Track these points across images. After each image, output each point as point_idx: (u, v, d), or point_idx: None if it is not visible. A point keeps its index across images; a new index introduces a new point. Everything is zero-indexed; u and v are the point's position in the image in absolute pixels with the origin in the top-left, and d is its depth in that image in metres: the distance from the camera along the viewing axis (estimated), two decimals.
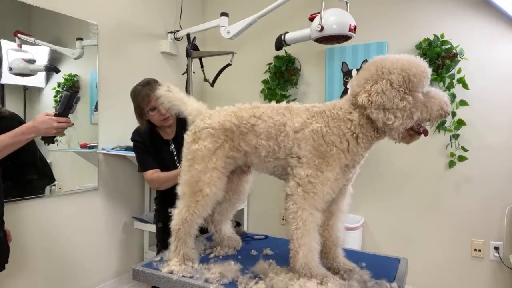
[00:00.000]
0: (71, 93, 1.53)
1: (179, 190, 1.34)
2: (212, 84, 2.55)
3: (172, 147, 1.93)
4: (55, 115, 1.50)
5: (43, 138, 1.55)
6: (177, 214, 1.33)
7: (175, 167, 1.88)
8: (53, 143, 1.60)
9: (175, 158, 1.92)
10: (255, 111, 1.26)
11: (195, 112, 1.37)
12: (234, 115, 1.28)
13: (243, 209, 3.33)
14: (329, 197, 1.16)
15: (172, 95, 1.40)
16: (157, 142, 1.93)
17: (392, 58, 1.09)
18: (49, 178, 2.34)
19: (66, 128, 1.54)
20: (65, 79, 2.39)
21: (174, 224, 1.33)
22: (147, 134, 1.93)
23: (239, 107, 1.32)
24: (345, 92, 2.93)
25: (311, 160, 1.13)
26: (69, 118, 1.54)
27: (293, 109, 1.22)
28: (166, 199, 1.95)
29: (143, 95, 1.82)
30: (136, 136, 1.95)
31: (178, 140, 1.93)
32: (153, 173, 1.88)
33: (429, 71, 1.09)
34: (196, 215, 1.30)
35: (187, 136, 1.35)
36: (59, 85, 2.35)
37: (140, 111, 1.87)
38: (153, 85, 1.82)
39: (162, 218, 1.98)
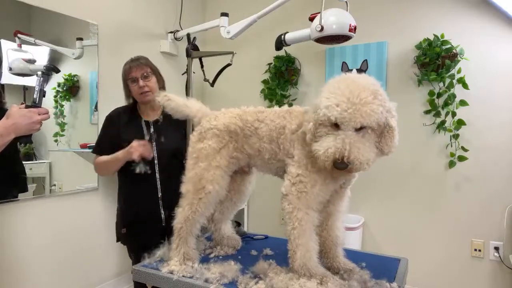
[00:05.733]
0: (44, 75, 1.25)
1: (183, 188, 1.35)
2: (212, 84, 2.54)
3: (152, 129, 1.93)
4: (28, 106, 1.21)
5: (17, 137, 1.22)
6: (180, 212, 1.34)
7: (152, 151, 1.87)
8: (31, 143, 1.36)
9: (153, 141, 1.92)
10: (259, 115, 1.29)
11: (200, 114, 1.40)
12: (239, 118, 1.31)
13: (243, 209, 3.33)
14: (321, 198, 1.16)
15: (174, 103, 1.41)
16: (136, 121, 1.95)
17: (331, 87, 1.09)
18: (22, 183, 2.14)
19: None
20: (65, 79, 2.39)
21: (176, 222, 1.35)
22: (127, 112, 1.95)
23: (244, 110, 1.33)
24: None
25: (301, 159, 1.15)
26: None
27: (293, 112, 1.24)
28: (132, 194, 1.89)
29: (126, 68, 1.94)
30: (114, 112, 1.98)
31: (159, 124, 1.95)
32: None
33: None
34: (198, 213, 1.31)
35: (193, 136, 1.37)
36: (59, 85, 2.35)
37: (124, 83, 1.96)
38: (141, 60, 1.95)
39: (128, 221, 1.88)
